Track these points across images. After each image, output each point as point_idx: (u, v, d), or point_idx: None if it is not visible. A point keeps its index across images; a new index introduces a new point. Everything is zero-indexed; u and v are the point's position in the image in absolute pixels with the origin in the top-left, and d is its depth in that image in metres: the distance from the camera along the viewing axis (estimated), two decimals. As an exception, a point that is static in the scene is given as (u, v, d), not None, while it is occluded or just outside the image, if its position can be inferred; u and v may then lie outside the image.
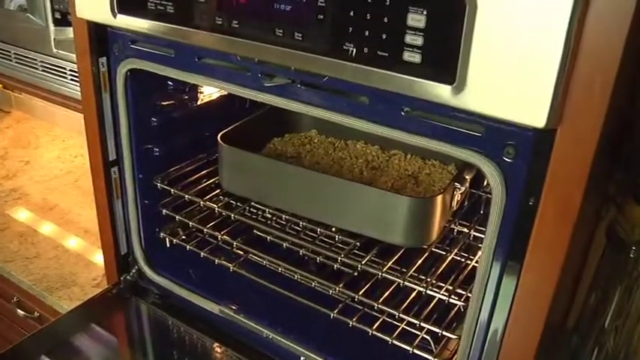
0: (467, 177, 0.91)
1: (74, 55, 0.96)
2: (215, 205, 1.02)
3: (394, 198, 0.84)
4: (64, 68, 1.98)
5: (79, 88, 0.98)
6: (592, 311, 0.88)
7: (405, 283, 0.86)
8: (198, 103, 1.11)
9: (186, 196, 1.03)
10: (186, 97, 1.08)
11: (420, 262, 0.92)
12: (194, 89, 1.09)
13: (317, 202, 0.88)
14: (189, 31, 0.78)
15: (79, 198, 1.67)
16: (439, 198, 0.84)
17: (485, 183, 1.03)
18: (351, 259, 0.89)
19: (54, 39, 1.98)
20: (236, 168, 0.95)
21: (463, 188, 0.89)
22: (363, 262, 0.88)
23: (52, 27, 1.91)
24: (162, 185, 1.04)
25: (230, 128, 0.99)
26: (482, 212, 1.03)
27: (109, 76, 0.94)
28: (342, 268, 0.92)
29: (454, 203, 0.89)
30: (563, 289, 0.72)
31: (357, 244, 0.92)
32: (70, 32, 1.82)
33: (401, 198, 0.83)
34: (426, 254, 0.94)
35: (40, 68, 1.97)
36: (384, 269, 0.87)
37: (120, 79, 0.92)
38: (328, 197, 0.86)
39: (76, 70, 0.97)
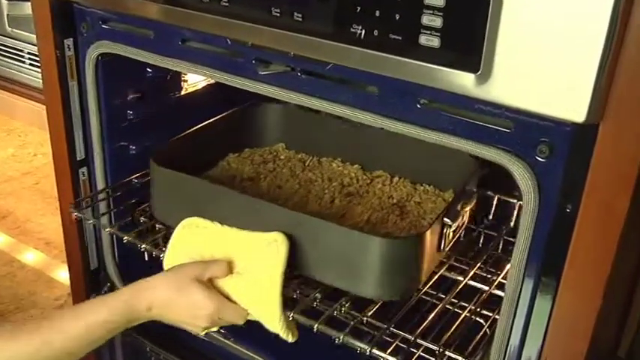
0: (463, 209, 0.85)
1: (33, 36, 0.97)
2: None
3: (361, 238, 0.77)
4: (21, 51, 2.00)
5: (39, 75, 0.99)
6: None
7: (423, 297, 0.87)
8: (182, 93, 1.13)
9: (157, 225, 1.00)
10: (168, 86, 1.10)
11: (436, 277, 0.93)
12: (177, 77, 1.10)
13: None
14: (171, 8, 0.79)
15: (38, 204, 1.69)
16: (422, 238, 0.78)
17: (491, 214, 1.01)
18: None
19: (7, 15, 1.99)
20: (168, 193, 0.92)
21: (456, 224, 0.83)
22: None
23: (3, 0, 1.92)
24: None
25: (172, 140, 0.98)
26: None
27: (76, 62, 0.96)
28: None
29: (445, 243, 0.83)
30: (610, 310, 0.73)
31: (318, 295, 0.84)
32: (27, 7, 1.83)
33: (369, 238, 0.77)
34: (444, 269, 0.95)
35: (-9, 50, 1.97)
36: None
37: (89, 64, 0.94)
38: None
39: (36, 53, 0.99)
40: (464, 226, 0.92)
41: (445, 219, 0.83)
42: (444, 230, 0.83)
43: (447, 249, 0.87)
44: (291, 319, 0.82)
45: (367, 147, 1.06)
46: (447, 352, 0.82)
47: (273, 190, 1.00)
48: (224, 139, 1.07)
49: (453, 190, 0.98)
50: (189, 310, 0.79)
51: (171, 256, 0.87)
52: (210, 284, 0.81)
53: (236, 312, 0.81)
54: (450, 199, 0.95)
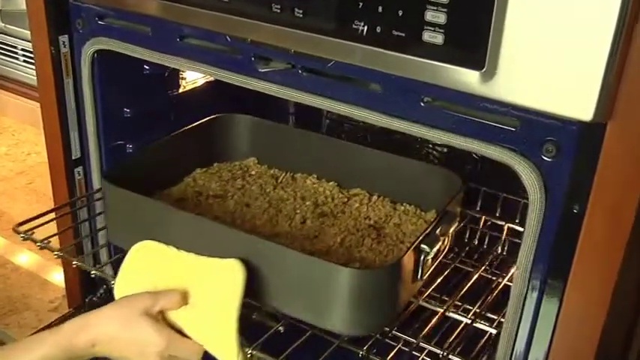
0: (443, 234, 0.81)
1: (27, 32, 0.98)
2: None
3: (325, 267, 0.73)
4: (15, 47, 2.01)
5: (34, 72, 1.00)
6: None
7: (423, 304, 0.87)
8: (180, 91, 1.14)
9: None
10: (166, 83, 1.10)
11: (440, 279, 0.94)
12: (175, 75, 1.11)
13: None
14: (169, 4, 0.80)
15: (33, 204, 1.69)
16: (394, 269, 0.75)
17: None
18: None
19: (0, 10, 1.99)
20: (121, 214, 0.88)
21: (434, 251, 0.79)
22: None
23: (-3, -5, 1.92)
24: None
25: (132, 157, 0.96)
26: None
27: (71, 58, 0.96)
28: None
29: (422, 271, 0.80)
30: (619, 314, 0.73)
31: (281, 328, 0.81)
32: (21, 2, 1.84)
33: (335, 268, 0.73)
34: (448, 270, 0.95)
35: (-16, 47, 1.97)
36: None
37: (85, 61, 0.94)
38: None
39: (30, 49, 0.99)
40: (445, 250, 0.88)
41: (422, 245, 0.79)
42: (422, 257, 0.79)
43: (425, 277, 0.82)
44: (250, 355, 0.78)
45: (345, 163, 1.03)
46: (450, 356, 0.82)
47: (240, 209, 0.96)
48: (191, 152, 1.04)
49: (436, 210, 0.95)
50: (137, 347, 0.75)
51: (122, 283, 0.83)
52: (161, 317, 0.77)
53: (190, 348, 0.77)
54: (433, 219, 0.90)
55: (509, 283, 0.93)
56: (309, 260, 0.75)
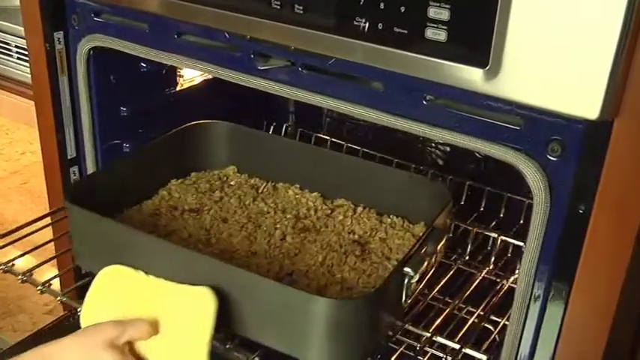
0: (428, 254, 0.79)
1: (21, 28, 0.98)
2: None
3: (299, 297, 0.71)
4: (9, 44, 2.01)
5: (28, 69, 1.00)
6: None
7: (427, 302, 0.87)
8: (178, 89, 1.14)
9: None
10: (163, 81, 1.11)
11: (445, 280, 0.94)
12: (172, 72, 1.11)
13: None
14: (167, 0, 0.80)
15: (27, 205, 1.70)
16: (374, 298, 0.73)
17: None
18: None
19: (-7, 6, 1.98)
20: (87, 237, 0.85)
21: (419, 273, 0.76)
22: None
23: (-12, -11, 1.92)
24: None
25: (99, 171, 0.95)
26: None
27: (66, 56, 0.97)
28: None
29: (407, 296, 0.78)
30: (626, 316, 0.74)
31: (257, 359, 0.79)
32: (14, -2, 1.83)
33: (310, 298, 0.71)
34: (452, 271, 0.96)
35: (-22, 44, 1.97)
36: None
37: (81, 58, 0.95)
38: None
39: (24, 46, 0.99)
40: (433, 268, 0.84)
41: (406, 269, 0.76)
42: (405, 281, 0.77)
43: (410, 301, 0.80)
44: None
45: (329, 172, 1.01)
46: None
47: (217, 225, 0.94)
48: (166, 163, 1.02)
49: (425, 222, 0.93)
50: None
51: (88, 310, 0.80)
52: (128, 349, 0.75)
53: None
54: (421, 234, 0.87)
55: (513, 285, 0.93)
56: (283, 289, 0.73)
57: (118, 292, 0.80)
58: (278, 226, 0.94)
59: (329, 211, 0.98)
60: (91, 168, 1.02)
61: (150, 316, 0.77)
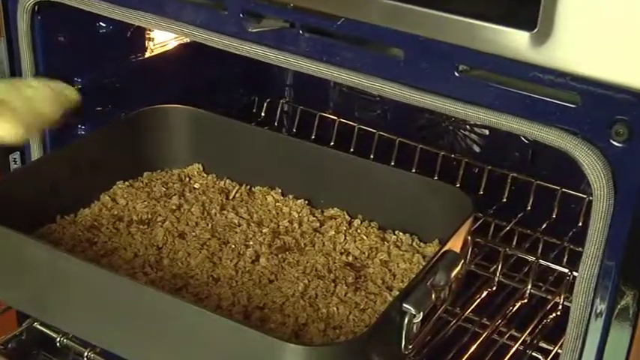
0: (438, 287, 0.75)
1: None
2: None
3: (263, 342, 0.68)
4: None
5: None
6: None
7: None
8: (147, 55, 1.14)
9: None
10: (127, 46, 1.11)
11: (481, 297, 0.95)
12: (139, 35, 1.11)
13: (119, 330, 0.76)
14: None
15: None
16: (357, 345, 0.70)
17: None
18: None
19: None
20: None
21: (423, 312, 0.72)
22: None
23: None
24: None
25: (16, 170, 0.95)
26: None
27: (4, 12, 0.96)
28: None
29: (407, 339, 0.73)
30: None
31: None
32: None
33: (274, 344, 0.68)
34: (491, 286, 0.96)
35: None
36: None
37: (23, 17, 0.94)
38: (142, 324, 0.75)
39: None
40: (446, 304, 0.82)
41: (406, 305, 0.72)
42: (405, 321, 0.73)
43: (412, 345, 0.75)
44: None
45: (319, 173, 1.00)
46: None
47: (172, 241, 0.92)
48: (111, 160, 0.99)
49: (439, 240, 0.90)
50: None
51: None
52: None
53: None
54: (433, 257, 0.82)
55: (568, 304, 0.93)
56: (241, 331, 0.70)
57: None
58: (250, 243, 0.92)
59: (317, 225, 0.96)
60: (36, 155, 1.02)
61: None
